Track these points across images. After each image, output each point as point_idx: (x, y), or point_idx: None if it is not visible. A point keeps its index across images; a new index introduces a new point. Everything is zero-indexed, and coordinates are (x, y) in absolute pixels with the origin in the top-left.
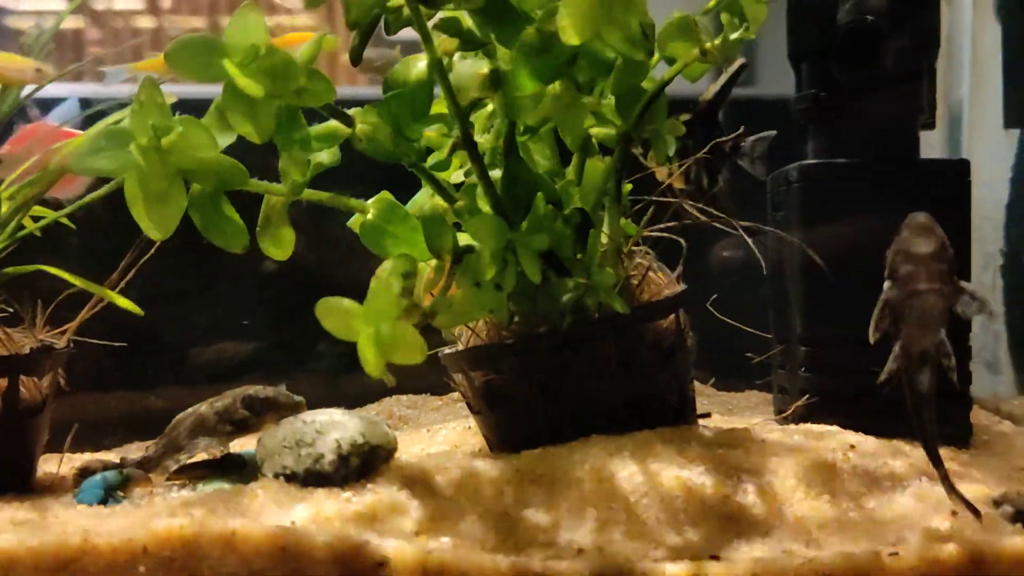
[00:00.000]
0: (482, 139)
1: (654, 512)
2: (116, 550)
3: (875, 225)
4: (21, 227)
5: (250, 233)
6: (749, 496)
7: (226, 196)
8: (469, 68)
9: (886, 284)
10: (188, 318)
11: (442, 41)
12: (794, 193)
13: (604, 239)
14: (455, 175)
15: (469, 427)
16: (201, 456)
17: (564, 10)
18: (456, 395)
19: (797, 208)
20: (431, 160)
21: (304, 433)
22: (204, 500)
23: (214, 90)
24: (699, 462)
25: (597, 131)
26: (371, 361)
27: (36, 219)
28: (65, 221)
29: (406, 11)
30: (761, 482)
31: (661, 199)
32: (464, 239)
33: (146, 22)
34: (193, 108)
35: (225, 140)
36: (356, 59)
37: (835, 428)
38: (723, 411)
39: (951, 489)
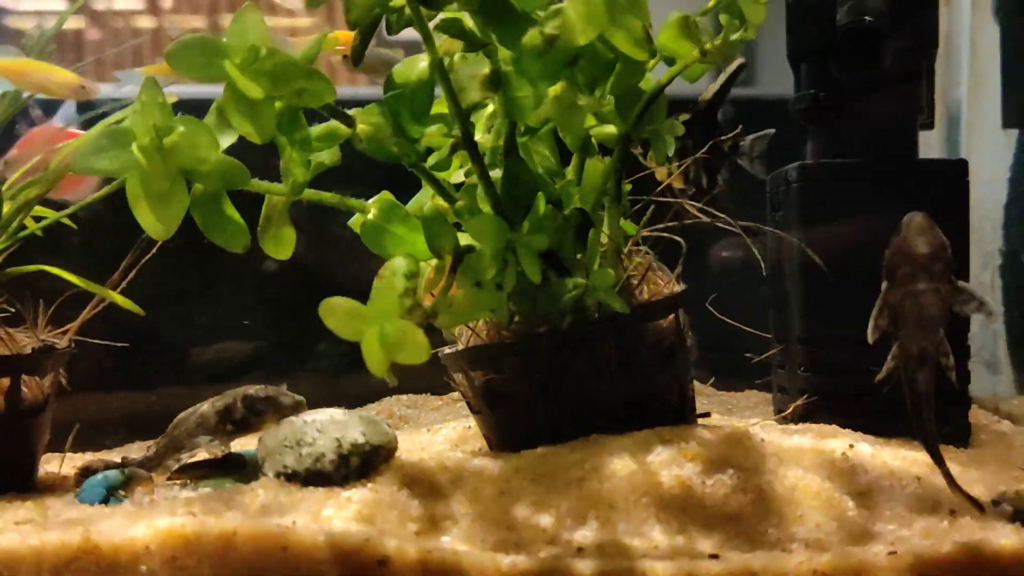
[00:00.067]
0: (482, 139)
1: (654, 511)
2: (118, 549)
3: (874, 225)
4: (23, 227)
5: (251, 233)
6: (748, 495)
7: (227, 196)
8: (470, 69)
9: (884, 284)
10: (189, 318)
11: (443, 42)
12: (793, 193)
13: (604, 239)
14: (455, 175)
15: (469, 427)
16: (202, 455)
17: (569, 11)
18: (456, 395)
19: (796, 208)
20: (432, 160)
21: (305, 433)
22: (205, 499)
23: (220, 89)
24: (699, 462)
25: (597, 131)
26: (376, 361)
27: (38, 219)
28: (67, 221)
29: (407, 11)
30: (760, 481)
31: (661, 199)
32: (464, 239)
33: (146, 22)
34: (195, 108)
35: (226, 140)
36: (357, 59)
37: (834, 427)
38: (723, 411)
39: (954, 485)
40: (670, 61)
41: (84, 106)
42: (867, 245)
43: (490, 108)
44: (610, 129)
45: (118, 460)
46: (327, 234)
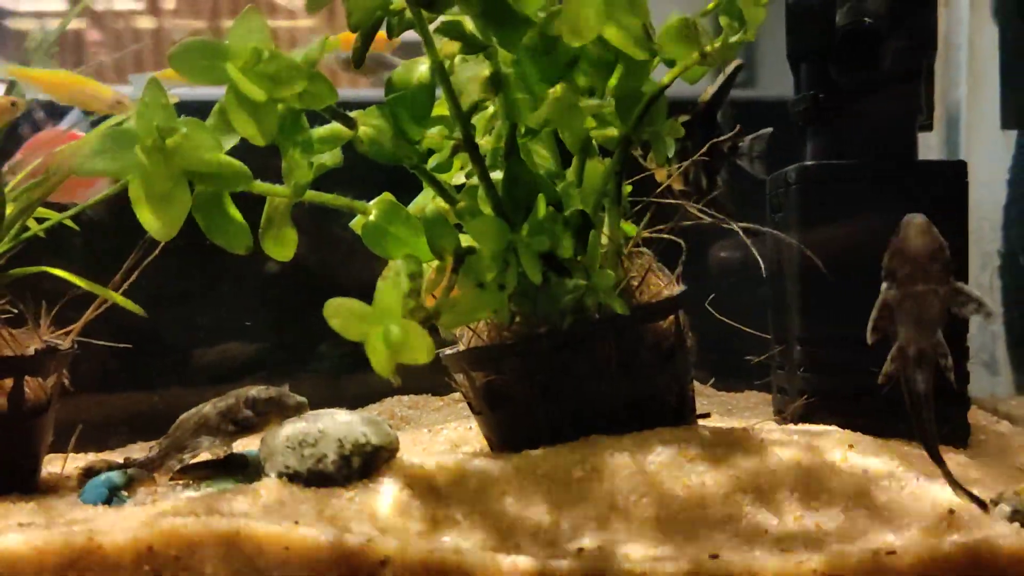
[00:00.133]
0: (483, 141)
1: (653, 512)
2: (121, 549)
3: (873, 226)
4: (26, 228)
5: (253, 234)
6: (747, 496)
7: (229, 197)
8: (470, 71)
9: (883, 285)
10: (191, 319)
11: (444, 44)
12: (793, 194)
13: (604, 240)
14: (456, 177)
15: (470, 427)
16: (205, 456)
17: (567, 12)
18: (457, 395)
19: (796, 209)
20: (432, 162)
21: (307, 433)
22: (208, 500)
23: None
24: (698, 462)
25: (597, 133)
26: (381, 361)
27: (40, 221)
28: (69, 223)
29: (408, 14)
30: (759, 482)
31: (660, 200)
32: (466, 240)
33: (147, 23)
34: (197, 110)
35: (229, 142)
36: (358, 62)
37: (834, 428)
38: (722, 411)
39: (954, 485)
40: (670, 63)
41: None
42: (866, 246)
43: (491, 110)
44: (610, 131)
45: (120, 461)
46: (329, 235)
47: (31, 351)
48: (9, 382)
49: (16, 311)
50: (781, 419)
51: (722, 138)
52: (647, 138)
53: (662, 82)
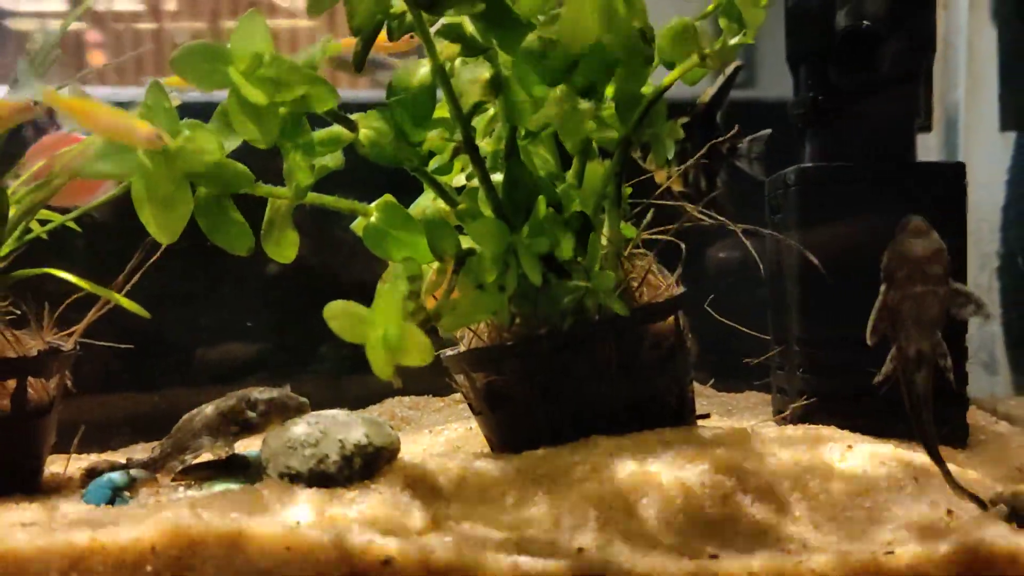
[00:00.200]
0: (484, 143)
1: (653, 512)
2: (124, 550)
3: (872, 227)
4: (29, 230)
5: (255, 236)
6: (747, 496)
7: (231, 199)
8: (471, 73)
9: (883, 287)
10: (193, 320)
11: (444, 47)
12: (792, 196)
13: (604, 242)
14: (457, 179)
15: (471, 428)
16: (207, 457)
17: (567, 16)
18: (458, 396)
19: (795, 211)
20: (433, 164)
21: (308, 434)
22: (210, 500)
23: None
24: (698, 462)
25: (597, 135)
26: (381, 363)
27: (43, 223)
28: (72, 225)
29: (409, 17)
30: (759, 482)
31: (660, 202)
32: (466, 242)
33: (148, 25)
34: (199, 113)
35: (230, 144)
36: (359, 65)
37: (833, 429)
38: (722, 412)
39: (954, 485)
40: (670, 65)
41: None
42: (865, 247)
43: (491, 112)
44: (610, 133)
45: (123, 461)
46: (330, 237)
47: (34, 352)
48: (12, 383)
49: (19, 312)
50: (781, 420)
51: (721, 139)
52: (647, 140)
53: (662, 84)
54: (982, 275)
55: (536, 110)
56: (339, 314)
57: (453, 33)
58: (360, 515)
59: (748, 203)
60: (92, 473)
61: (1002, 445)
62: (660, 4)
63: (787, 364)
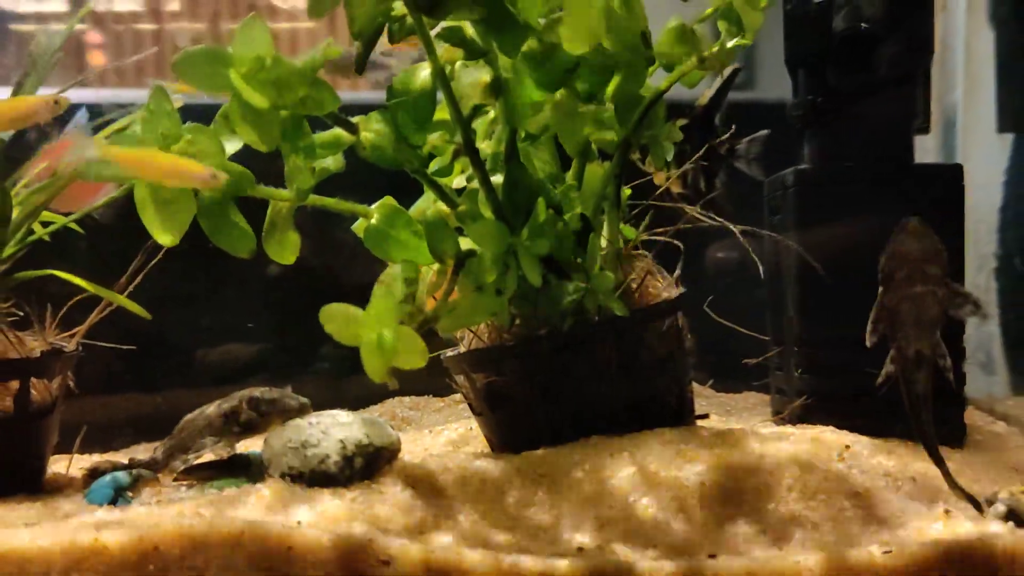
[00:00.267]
0: (484, 145)
1: (653, 511)
2: (126, 549)
3: (871, 228)
4: (31, 232)
5: (256, 238)
6: (746, 496)
7: (233, 202)
8: (471, 76)
9: (881, 288)
10: (195, 321)
11: (445, 50)
12: (790, 197)
13: (604, 243)
14: (457, 181)
15: (471, 428)
16: (208, 457)
17: (567, 19)
18: (458, 397)
19: (793, 212)
20: (434, 166)
21: (309, 434)
22: (212, 500)
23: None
24: (697, 462)
25: (597, 137)
26: (374, 366)
27: (45, 224)
28: (74, 227)
29: (409, 21)
30: (758, 482)
31: (660, 203)
32: (466, 244)
33: (148, 26)
34: (201, 115)
35: (232, 147)
36: (360, 68)
37: (831, 429)
38: (721, 412)
39: (953, 485)
40: (669, 67)
41: (93, 114)
42: (864, 248)
43: (491, 115)
44: (609, 135)
45: (125, 461)
46: (331, 239)
47: (37, 353)
48: (15, 384)
49: (22, 314)
50: (779, 420)
51: (719, 141)
52: (646, 142)
53: (660, 87)
54: (980, 276)
55: (536, 113)
56: (334, 317)
57: (454, 37)
58: (361, 515)
59: (747, 204)
60: (94, 473)
61: (999, 444)
62: (659, 7)
63: (786, 364)
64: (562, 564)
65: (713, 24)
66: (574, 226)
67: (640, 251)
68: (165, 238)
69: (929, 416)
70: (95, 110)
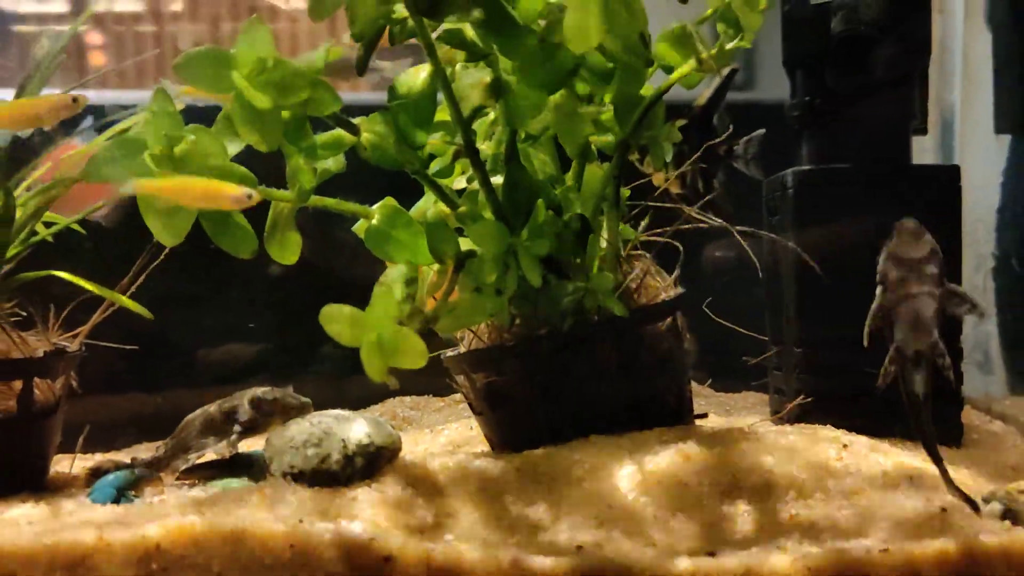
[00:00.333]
0: (484, 146)
1: (652, 510)
2: (129, 547)
3: (868, 229)
4: (34, 233)
5: (258, 238)
6: (745, 495)
7: None
8: (471, 78)
9: (879, 289)
10: (197, 321)
11: (445, 52)
12: (789, 198)
13: (603, 243)
14: (458, 181)
15: (471, 428)
16: (210, 456)
17: (568, 21)
18: (458, 396)
19: (792, 213)
20: (434, 167)
21: (311, 434)
22: (214, 499)
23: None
24: (696, 462)
25: (596, 138)
26: (374, 366)
27: (48, 225)
28: (77, 227)
29: (410, 23)
30: (756, 481)
31: (659, 204)
32: (466, 244)
33: (148, 27)
34: (202, 116)
35: (234, 148)
36: (361, 70)
37: (829, 428)
38: (720, 412)
39: (951, 485)
40: (668, 69)
41: (95, 116)
42: (861, 249)
43: (491, 116)
44: (609, 136)
45: (127, 461)
46: (332, 239)
47: (40, 353)
48: (19, 384)
49: (25, 314)
50: (778, 419)
51: (717, 141)
52: (645, 143)
53: (660, 88)
54: (977, 276)
55: (536, 114)
56: (334, 318)
57: (454, 38)
58: (362, 513)
59: (745, 204)
60: (97, 472)
61: (996, 444)
62: (659, 7)
63: (784, 364)
64: (562, 562)
65: (712, 25)
66: (574, 227)
67: (639, 251)
68: (168, 239)
69: (928, 416)
70: (97, 111)
